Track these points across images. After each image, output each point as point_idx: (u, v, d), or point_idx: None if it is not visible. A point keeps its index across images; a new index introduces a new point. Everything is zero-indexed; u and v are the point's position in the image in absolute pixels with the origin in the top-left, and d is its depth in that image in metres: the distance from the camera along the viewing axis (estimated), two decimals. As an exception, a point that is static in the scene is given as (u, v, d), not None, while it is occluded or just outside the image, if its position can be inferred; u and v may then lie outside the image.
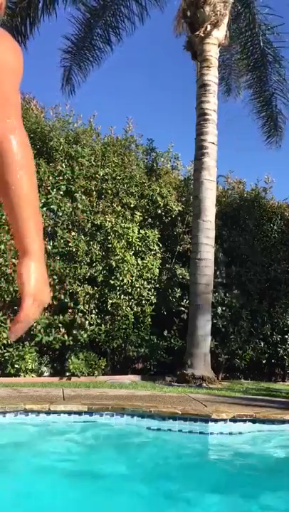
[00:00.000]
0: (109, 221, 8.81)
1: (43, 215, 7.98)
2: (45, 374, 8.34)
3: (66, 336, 8.23)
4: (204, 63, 9.14)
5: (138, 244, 9.07)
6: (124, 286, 8.78)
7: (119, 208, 9.11)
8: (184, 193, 10.19)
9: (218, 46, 9.33)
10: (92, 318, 8.57)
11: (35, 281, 1.06)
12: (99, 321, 8.64)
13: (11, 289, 7.94)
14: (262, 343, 9.97)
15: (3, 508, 2.80)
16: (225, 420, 4.63)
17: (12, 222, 1.08)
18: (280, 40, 10.96)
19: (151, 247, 9.24)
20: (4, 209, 1.09)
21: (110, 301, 8.66)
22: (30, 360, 7.82)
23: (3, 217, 8.06)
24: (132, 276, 8.87)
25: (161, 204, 9.59)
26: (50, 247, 8.32)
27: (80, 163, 8.96)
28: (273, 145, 12.09)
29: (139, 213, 9.21)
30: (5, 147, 1.04)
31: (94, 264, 8.69)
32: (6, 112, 1.04)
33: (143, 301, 9.02)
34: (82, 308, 8.44)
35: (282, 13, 11.92)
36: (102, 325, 8.63)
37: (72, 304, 8.37)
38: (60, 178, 8.67)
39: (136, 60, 23.36)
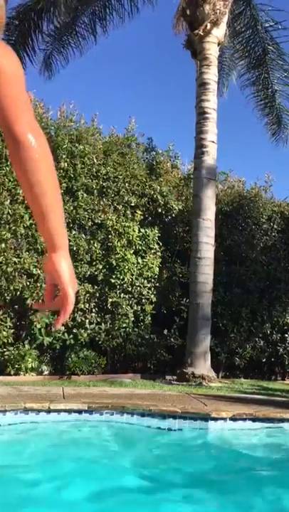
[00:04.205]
0: (110, 220, 8.82)
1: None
2: (45, 373, 8.35)
3: (66, 335, 8.24)
4: (204, 62, 9.14)
5: (138, 243, 9.07)
6: (125, 285, 8.79)
7: (120, 206, 9.11)
8: (184, 191, 10.19)
9: (218, 45, 9.32)
10: (92, 317, 8.58)
11: (69, 272, 1.16)
12: (99, 320, 8.65)
13: (11, 288, 7.94)
14: (262, 342, 9.98)
15: (3, 506, 2.81)
16: (225, 419, 4.64)
17: (39, 218, 1.16)
18: (284, 35, 10.93)
19: (152, 246, 9.24)
20: (31, 206, 1.17)
21: (110, 300, 8.67)
22: (30, 359, 7.82)
23: (4, 216, 8.07)
24: (132, 275, 8.87)
25: (162, 203, 9.59)
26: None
27: (81, 161, 8.96)
28: (280, 142, 12.02)
29: (139, 212, 9.22)
30: (27, 148, 1.10)
31: (94, 262, 8.69)
32: (28, 116, 1.12)
33: (143, 300, 9.03)
34: (82, 307, 8.44)
35: (285, 6, 11.86)
36: (102, 324, 8.64)
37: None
38: (62, 176, 8.66)
39: (136, 58, 23.34)
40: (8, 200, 8.16)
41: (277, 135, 11.98)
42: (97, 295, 8.69)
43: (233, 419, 4.64)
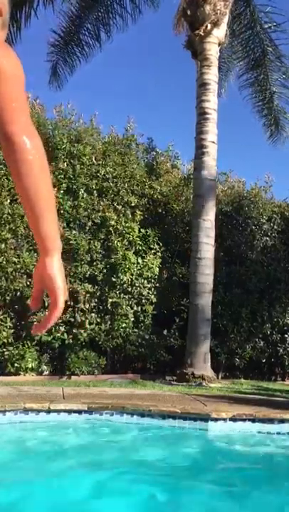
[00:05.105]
0: (110, 219, 8.82)
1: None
2: (45, 373, 8.35)
3: (66, 335, 8.23)
4: (204, 62, 9.14)
5: (138, 243, 9.07)
6: (125, 285, 8.79)
7: (120, 206, 9.11)
8: (184, 192, 10.19)
9: (218, 45, 9.32)
10: (92, 317, 8.57)
11: (62, 277, 1.14)
12: (99, 320, 8.64)
13: (11, 288, 7.94)
14: (262, 343, 9.98)
15: (3, 507, 2.81)
16: (224, 419, 4.64)
17: (32, 221, 1.14)
18: (283, 37, 10.95)
19: (152, 246, 9.24)
20: (24, 209, 1.15)
21: (110, 300, 8.66)
22: (30, 359, 7.82)
23: (4, 215, 8.07)
24: (132, 275, 8.87)
25: (162, 203, 9.58)
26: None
27: (81, 161, 8.95)
28: (277, 144, 12.03)
29: (139, 212, 9.21)
30: (22, 149, 1.09)
31: (94, 262, 8.69)
32: (24, 117, 1.10)
33: (143, 300, 9.02)
34: (82, 307, 8.44)
35: (285, 7, 11.88)
36: (102, 324, 8.63)
37: (72, 303, 8.36)
38: (62, 176, 8.66)
39: (136, 57, 23.35)
40: (8, 200, 8.15)
41: (274, 136, 12.00)
42: (97, 295, 8.69)
43: (233, 419, 4.64)
